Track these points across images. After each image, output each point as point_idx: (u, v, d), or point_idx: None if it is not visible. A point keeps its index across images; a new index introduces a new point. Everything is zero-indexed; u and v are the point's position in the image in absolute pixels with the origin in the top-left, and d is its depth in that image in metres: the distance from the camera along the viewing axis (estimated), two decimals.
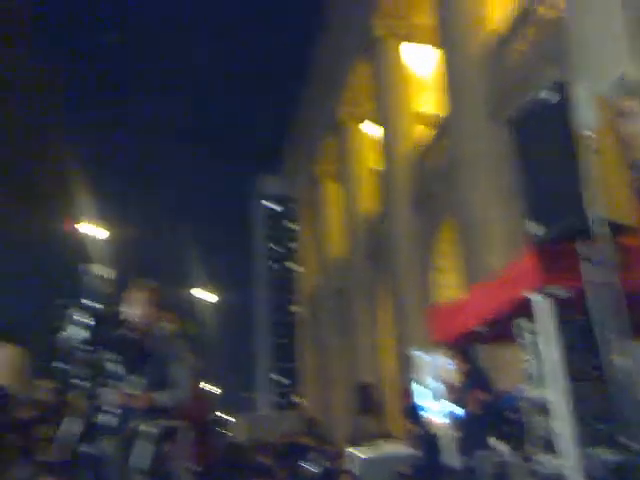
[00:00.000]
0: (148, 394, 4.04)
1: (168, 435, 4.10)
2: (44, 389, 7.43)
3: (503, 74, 11.35)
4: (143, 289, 4.37)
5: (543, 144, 4.29)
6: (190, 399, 4.27)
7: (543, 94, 4.31)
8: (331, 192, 24.98)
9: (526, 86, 9.53)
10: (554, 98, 4.20)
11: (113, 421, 3.97)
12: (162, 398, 4.06)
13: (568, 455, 3.63)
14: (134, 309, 4.25)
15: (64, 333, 4.06)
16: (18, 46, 15.72)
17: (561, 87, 4.32)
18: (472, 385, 6.02)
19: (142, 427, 3.98)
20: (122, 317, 4.26)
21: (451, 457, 5.59)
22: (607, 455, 3.65)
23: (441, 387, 6.31)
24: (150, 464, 3.92)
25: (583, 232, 3.87)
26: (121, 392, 4.01)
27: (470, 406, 5.92)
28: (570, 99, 4.14)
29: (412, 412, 7.13)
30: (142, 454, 3.89)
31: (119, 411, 3.98)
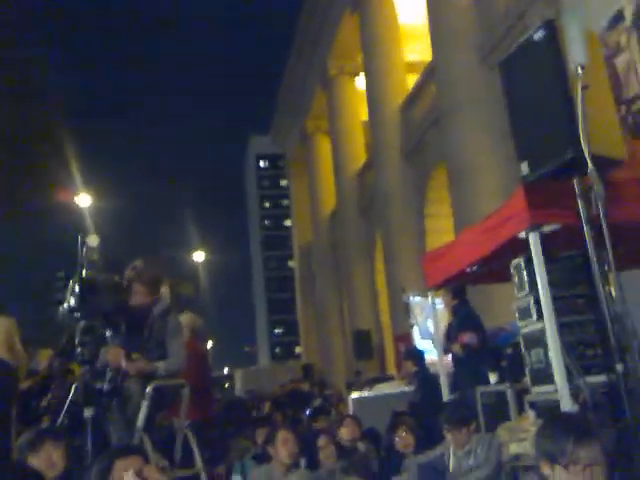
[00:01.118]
0: (145, 360, 4.16)
1: (166, 393, 4.22)
2: (41, 357, 7.56)
3: (493, 16, 11.21)
4: (131, 271, 4.41)
5: (533, 84, 4.30)
6: (186, 364, 4.38)
7: (533, 33, 4.30)
8: (322, 147, 24.91)
9: (517, 27, 9.44)
10: (544, 37, 4.19)
11: (111, 384, 4.06)
12: (158, 367, 4.18)
13: (562, 384, 3.78)
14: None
15: (65, 304, 4.10)
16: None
17: (551, 25, 4.30)
18: (460, 324, 6.18)
19: (140, 386, 4.08)
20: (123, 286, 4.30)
21: (448, 394, 5.77)
22: (597, 380, 3.81)
23: (435, 328, 6.47)
24: (149, 422, 4.02)
25: (574, 169, 3.93)
26: (118, 355, 4.10)
27: (455, 349, 6.10)
28: (560, 37, 4.13)
29: (413, 353, 7.33)
30: (139, 412, 3.98)
31: (118, 374, 4.08)
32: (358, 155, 20.89)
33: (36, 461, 3.26)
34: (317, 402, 10.67)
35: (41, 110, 17.15)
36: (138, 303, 4.36)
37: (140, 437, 3.94)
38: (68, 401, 4.13)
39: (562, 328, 3.99)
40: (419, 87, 15.41)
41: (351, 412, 7.65)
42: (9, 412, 5.59)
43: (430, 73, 13.92)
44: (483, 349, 5.91)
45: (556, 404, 3.81)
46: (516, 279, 4.58)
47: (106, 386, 4.03)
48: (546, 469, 2.17)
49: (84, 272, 4.07)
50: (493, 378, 5.42)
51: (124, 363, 4.08)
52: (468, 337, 6.16)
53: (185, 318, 5.84)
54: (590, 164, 3.74)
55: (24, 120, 16.68)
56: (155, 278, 4.49)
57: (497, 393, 5.31)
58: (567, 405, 3.71)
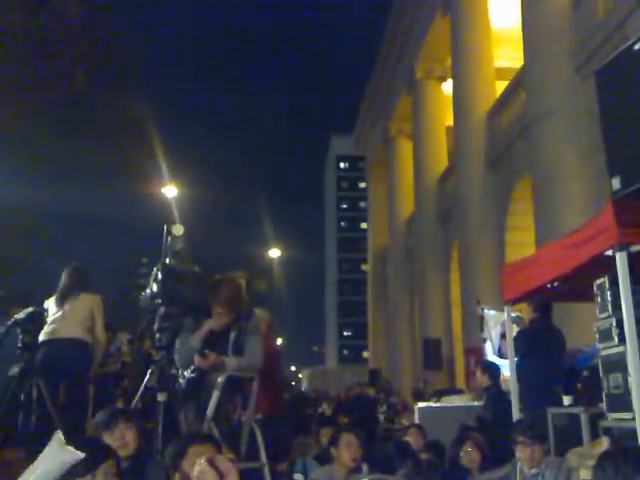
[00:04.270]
0: (220, 356, 4.18)
1: (236, 385, 4.26)
2: (120, 340, 7.83)
3: (591, 23, 10.77)
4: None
5: (629, 95, 4.11)
6: (261, 359, 4.40)
7: (633, 43, 4.11)
8: (404, 151, 24.73)
9: (615, 36, 9.03)
10: None
11: (183, 372, 4.15)
12: (232, 363, 4.20)
13: None
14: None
15: (147, 290, 4.23)
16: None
17: None
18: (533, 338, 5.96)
19: (211, 377, 4.13)
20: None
21: (517, 413, 5.59)
22: None
23: (506, 343, 6.28)
24: (217, 413, 4.06)
25: None
26: (194, 350, 4.15)
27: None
28: None
29: (489, 367, 7.15)
30: (211, 403, 4.03)
31: (191, 366, 4.14)
32: (440, 161, 20.59)
33: (110, 439, 3.37)
34: (383, 409, 10.60)
35: (135, 102, 17.91)
36: (219, 324, 4.33)
37: (209, 427, 4.00)
38: (143, 385, 4.26)
39: None
40: (508, 94, 15.01)
41: (417, 422, 7.55)
42: (83, 390, 5.82)
43: (520, 79, 13.53)
44: (556, 369, 5.69)
45: (632, 432, 3.62)
46: (599, 299, 4.38)
47: (185, 376, 4.13)
48: None
49: (167, 260, 4.21)
50: (567, 400, 5.21)
51: (202, 360, 4.13)
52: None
53: (262, 313, 5.90)
54: None
55: (120, 108, 17.41)
56: (232, 298, 4.39)
57: (570, 416, 5.09)
58: None
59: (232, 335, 4.35)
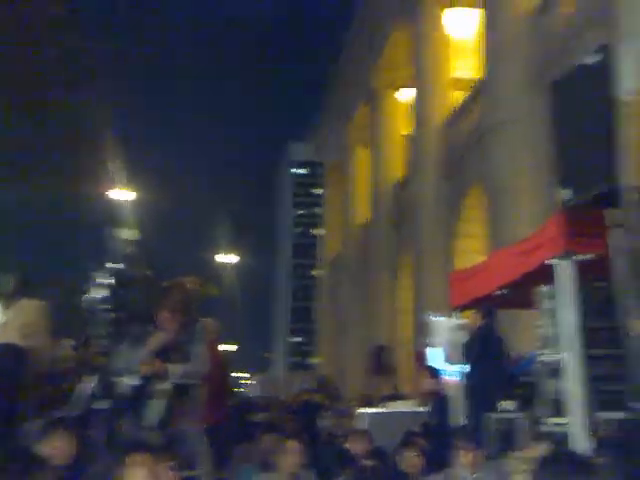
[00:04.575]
0: (165, 364, 4.10)
1: (181, 393, 4.19)
2: (63, 346, 7.56)
3: (547, 38, 11.03)
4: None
5: (581, 110, 4.21)
6: (207, 366, 4.34)
7: (587, 58, 4.21)
8: (360, 158, 24.88)
9: (570, 51, 9.25)
10: (596, 62, 4.10)
11: (127, 380, 4.07)
12: (177, 370, 4.13)
13: (576, 416, 3.65)
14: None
15: (88, 294, 4.12)
16: None
17: (605, 51, 4.22)
18: (475, 344, 6.04)
19: (155, 384, 4.07)
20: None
21: (460, 418, 5.64)
22: (612, 415, 3.67)
23: (454, 349, 6.35)
24: (161, 420, 4.01)
25: (613, 199, 3.82)
26: (139, 357, 4.07)
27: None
28: (613, 64, 4.03)
29: (435, 372, 7.20)
30: (154, 411, 3.98)
31: (134, 373, 4.07)
32: (396, 169, 20.77)
33: (46, 448, 3.25)
34: (329, 415, 10.54)
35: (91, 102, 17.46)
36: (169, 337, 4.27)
37: (151, 435, 3.94)
38: (85, 392, 4.14)
39: (582, 359, 3.87)
40: (465, 104, 15.24)
41: (363, 428, 7.54)
42: (16, 396, 5.58)
43: (478, 90, 13.76)
44: (499, 375, 5.76)
45: (566, 437, 3.68)
46: (542, 307, 4.46)
47: (124, 381, 4.04)
48: None
49: (117, 265, 4.09)
50: (509, 405, 5.28)
51: (147, 369, 4.06)
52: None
53: (210, 321, 5.85)
54: (630, 195, 3.64)
55: (75, 107, 16.96)
56: (181, 303, 4.35)
57: (510, 421, 5.17)
58: (578, 438, 3.59)
59: (177, 342, 4.27)
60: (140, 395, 4.05)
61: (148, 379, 4.06)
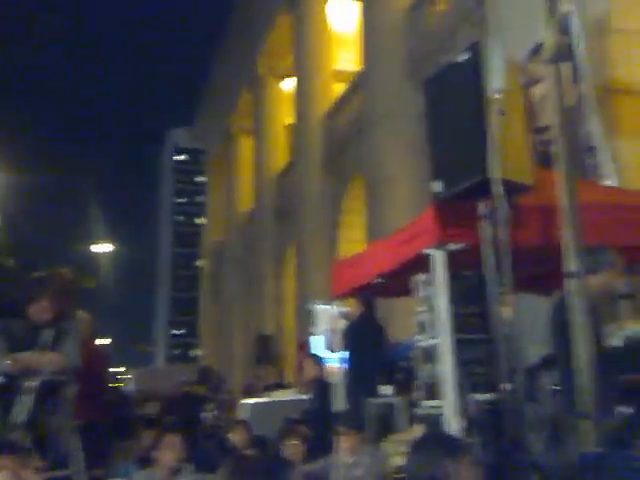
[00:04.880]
0: (33, 359, 3.94)
1: (50, 390, 4.02)
2: None
3: (422, 34, 11.45)
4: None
5: (453, 104, 4.37)
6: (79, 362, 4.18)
7: (458, 55, 4.37)
8: (245, 146, 24.66)
9: (445, 47, 9.66)
10: (468, 59, 4.28)
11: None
12: (46, 365, 3.96)
13: (449, 398, 3.84)
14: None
15: None
16: None
17: (475, 49, 4.40)
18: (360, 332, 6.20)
19: (22, 381, 3.87)
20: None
21: (342, 404, 5.76)
22: (482, 397, 3.91)
23: (335, 337, 6.47)
24: (29, 418, 3.83)
25: (482, 191, 4.02)
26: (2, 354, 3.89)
27: None
28: (483, 61, 4.22)
29: (317, 359, 7.28)
30: (21, 408, 3.81)
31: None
32: (279, 158, 20.81)
33: None
34: (211, 406, 10.40)
35: None
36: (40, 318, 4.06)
37: (18, 435, 3.74)
38: None
39: (456, 345, 4.07)
40: (346, 96, 15.53)
41: (246, 418, 7.50)
42: None
43: (357, 83, 14.05)
44: (378, 361, 5.95)
45: (440, 419, 3.86)
46: (417, 294, 4.63)
47: None
48: None
49: None
50: (388, 391, 5.46)
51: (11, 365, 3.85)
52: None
53: (84, 315, 5.58)
54: (496, 188, 3.84)
55: None
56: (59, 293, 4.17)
57: (389, 405, 5.35)
58: (450, 420, 3.77)
59: (49, 335, 4.05)
60: (5, 392, 3.83)
61: (14, 376, 3.84)
